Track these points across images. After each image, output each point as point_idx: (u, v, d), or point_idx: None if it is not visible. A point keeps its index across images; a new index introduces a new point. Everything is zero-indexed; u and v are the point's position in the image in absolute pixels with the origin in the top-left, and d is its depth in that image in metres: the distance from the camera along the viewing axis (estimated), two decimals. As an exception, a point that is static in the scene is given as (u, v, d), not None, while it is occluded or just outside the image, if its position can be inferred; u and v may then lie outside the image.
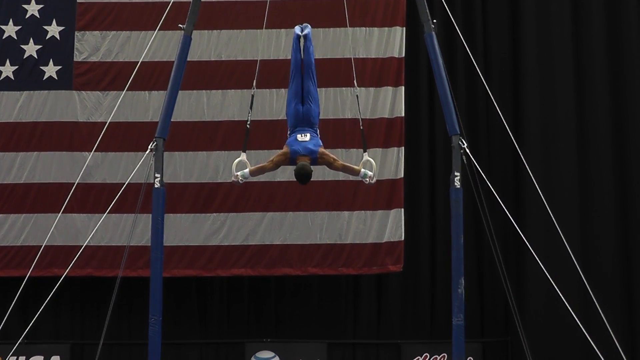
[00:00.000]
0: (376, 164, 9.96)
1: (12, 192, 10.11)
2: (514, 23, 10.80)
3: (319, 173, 10.12)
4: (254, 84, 7.52)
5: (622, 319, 10.11)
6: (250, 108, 7.50)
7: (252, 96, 7.49)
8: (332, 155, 7.17)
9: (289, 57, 9.95)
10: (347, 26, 10.04)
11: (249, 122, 7.42)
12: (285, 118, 9.90)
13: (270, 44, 10.23)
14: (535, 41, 10.65)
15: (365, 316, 10.48)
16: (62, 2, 10.29)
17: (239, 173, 7.08)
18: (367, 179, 7.14)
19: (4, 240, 10.04)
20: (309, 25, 7.33)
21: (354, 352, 10.40)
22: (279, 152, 7.11)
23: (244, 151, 7.25)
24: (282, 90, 10.12)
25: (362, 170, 7.15)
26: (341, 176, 10.00)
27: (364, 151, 7.43)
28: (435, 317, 10.43)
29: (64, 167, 10.11)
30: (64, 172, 10.08)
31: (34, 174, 10.14)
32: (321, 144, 7.11)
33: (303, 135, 7.06)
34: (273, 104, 10.21)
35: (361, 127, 7.64)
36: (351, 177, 9.93)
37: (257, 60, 10.11)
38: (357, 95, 8.08)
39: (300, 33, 7.25)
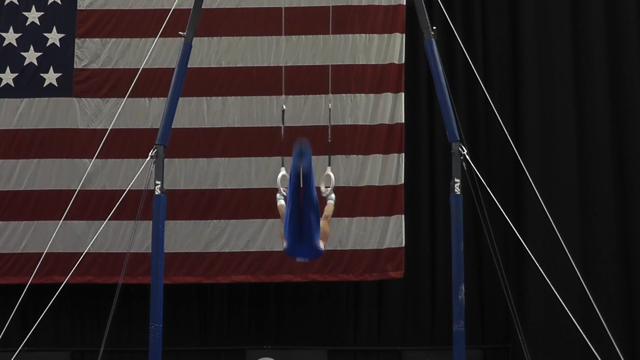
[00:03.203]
0: (377, 170, 10.09)
1: (12, 199, 10.10)
2: (513, 30, 10.82)
3: (317, 178, 10.10)
4: (283, 95, 7.54)
5: (623, 326, 10.10)
6: (282, 123, 7.55)
7: (283, 111, 7.49)
8: (325, 230, 6.83)
9: (289, 64, 10.10)
10: (346, 33, 10.10)
11: (283, 137, 7.45)
12: (285, 125, 10.01)
13: (271, 50, 10.24)
14: (534, 47, 10.67)
15: (366, 323, 10.47)
16: (63, 10, 10.31)
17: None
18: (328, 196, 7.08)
19: (4, 248, 10.03)
20: (310, 151, 6.07)
21: (355, 359, 10.39)
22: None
23: (283, 165, 7.26)
24: (283, 96, 10.12)
25: (327, 196, 7.11)
26: (341, 182, 10.00)
27: (329, 165, 7.42)
28: (435, 323, 10.42)
29: (64, 174, 10.11)
30: (64, 179, 10.08)
31: (34, 181, 10.13)
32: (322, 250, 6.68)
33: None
34: (273, 110, 10.20)
35: (329, 140, 7.58)
36: (351, 183, 10.06)
37: (258, 67, 10.28)
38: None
39: (299, 165, 6.01)
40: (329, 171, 7.35)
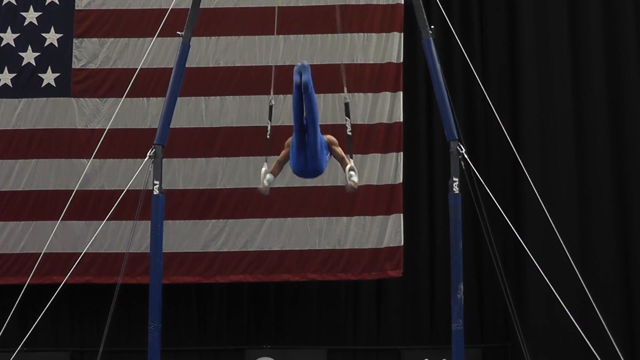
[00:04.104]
0: (375, 169, 10.09)
1: (10, 199, 10.10)
2: (511, 28, 10.82)
3: (318, 179, 10.10)
4: (272, 93, 7.49)
5: (622, 324, 10.10)
6: (270, 119, 7.45)
7: (271, 107, 7.44)
8: (337, 148, 7.07)
9: (287, 63, 10.09)
10: (344, 32, 10.09)
11: (269, 134, 7.41)
12: (284, 124, 10.04)
13: (269, 50, 10.24)
14: (533, 46, 10.67)
15: (365, 322, 10.47)
16: (61, 10, 10.30)
17: (265, 180, 7.02)
18: (349, 187, 7.00)
19: (2, 248, 10.02)
20: (308, 67, 6.66)
21: (354, 358, 10.39)
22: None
23: (267, 161, 7.22)
24: (281, 96, 10.12)
25: (348, 171, 7.02)
26: (339, 182, 10.00)
27: (350, 156, 7.29)
28: (434, 322, 10.42)
29: (63, 174, 10.10)
30: (63, 179, 10.08)
31: (33, 181, 10.13)
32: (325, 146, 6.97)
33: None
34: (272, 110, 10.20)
35: (349, 133, 7.43)
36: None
37: (256, 66, 10.28)
38: (345, 104, 7.69)
39: (299, 80, 6.61)
40: (351, 163, 7.18)
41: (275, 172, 7.09)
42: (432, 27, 7.42)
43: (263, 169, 7.16)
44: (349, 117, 7.56)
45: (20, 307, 7.94)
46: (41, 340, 10.11)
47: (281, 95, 10.15)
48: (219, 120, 10.25)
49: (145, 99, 10.18)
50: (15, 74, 10.26)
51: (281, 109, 10.14)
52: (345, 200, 10.09)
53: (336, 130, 10.05)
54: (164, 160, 7.24)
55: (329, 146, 7.08)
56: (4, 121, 10.19)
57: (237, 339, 10.37)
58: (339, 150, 7.14)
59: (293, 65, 9.97)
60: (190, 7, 7.52)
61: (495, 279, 8.35)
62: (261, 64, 10.23)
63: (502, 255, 9.23)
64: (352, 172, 7.02)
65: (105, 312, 7.49)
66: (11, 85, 10.25)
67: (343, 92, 9.94)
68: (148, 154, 7.13)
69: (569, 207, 10.31)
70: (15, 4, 10.32)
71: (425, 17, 7.48)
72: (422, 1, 7.55)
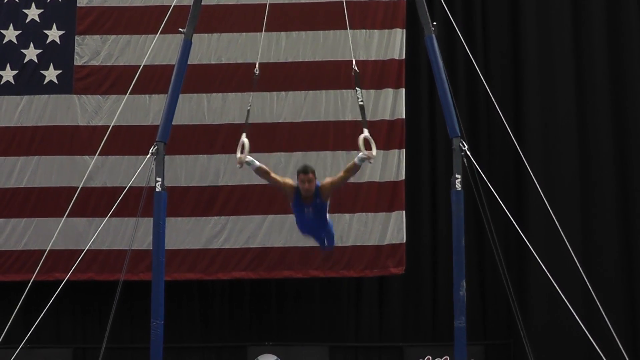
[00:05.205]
0: (378, 166, 10.08)
1: (13, 197, 10.12)
2: (514, 25, 10.80)
3: (319, 174, 10.08)
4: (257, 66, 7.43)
5: (625, 321, 10.09)
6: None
7: (255, 76, 7.36)
8: (328, 181, 6.92)
9: (289, 60, 10.10)
10: (346, 28, 10.07)
11: (249, 105, 7.34)
12: (285, 121, 10.06)
13: (270, 47, 10.23)
14: (535, 43, 10.65)
15: (367, 319, 10.47)
16: (62, 7, 10.31)
17: (247, 159, 6.81)
18: (368, 160, 6.74)
19: (5, 245, 10.05)
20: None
21: (356, 355, 10.39)
22: (289, 183, 6.89)
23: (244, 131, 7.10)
24: (282, 93, 10.14)
25: (357, 157, 6.73)
26: (341, 179, 9.98)
27: (365, 127, 7.00)
28: (437, 319, 10.42)
29: (65, 171, 10.11)
30: (65, 176, 10.09)
31: (35, 178, 10.14)
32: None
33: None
34: (273, 107, 10.21)
35: (360, 103, 7.21)
36: (352, 179, 9.91)
37: (260, 63, 10.23)
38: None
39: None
40: (366, 133, 6.88)
41: (259, 170, 6.83)
42: (435, 23, 7.40)
43: (242, 143, 6.99)
44: (359, 87, 7.25)
45: (22, 304, 7.93)
46: (44, 337, 10.10)
47: (283, 92, 10.16)
48: (220, 117, 10.25)
49: (147, 96, 10.17)
50: (17, 71, 10.27)
51: (283, 105, 10.15)
52: (348, 197, 10.08)
53: (338, 127, 10.12)
54: (166, 157, 7.23)
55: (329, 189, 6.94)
56: (6, 118, 10.20)
57: (239, 336, 10.37)
58: (337, 178, 6.94)
59: (294, 63, 10.19)
60: (192, 3, 7.51)
61: (497, 276, 8.35)
62: (263, 61, 10.20)
63: (505, 252, 9.21)
64: (363, 161, 6.76)
65: (107, 309, 7.50)
66: (13, 83, 10.25)
67: (346, 88, 10.13)
68: (150, 150, 7.12)
69: (571, 204, 10.30)
70: (17, 1, 10.33)
71: (427, 13, 7.46)
72: (424, -3, 7.53)
